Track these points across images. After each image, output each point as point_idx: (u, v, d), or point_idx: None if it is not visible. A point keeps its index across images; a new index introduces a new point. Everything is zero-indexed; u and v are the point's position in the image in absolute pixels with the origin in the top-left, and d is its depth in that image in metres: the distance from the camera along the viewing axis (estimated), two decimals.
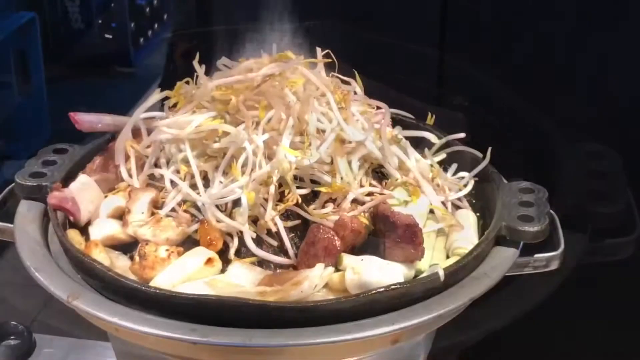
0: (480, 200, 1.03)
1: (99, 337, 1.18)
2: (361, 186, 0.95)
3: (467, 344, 0.98)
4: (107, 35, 4.31)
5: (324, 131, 0.95)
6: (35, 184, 1.00)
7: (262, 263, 0.90)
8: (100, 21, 4.27)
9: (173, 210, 0.94)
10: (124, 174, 0.99)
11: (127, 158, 0.99)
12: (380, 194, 0.95)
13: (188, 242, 0.92)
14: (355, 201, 0.93)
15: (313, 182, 0.94)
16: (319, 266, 0.86)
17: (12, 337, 1.23)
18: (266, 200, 0.91)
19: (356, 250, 0.90)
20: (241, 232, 0.90)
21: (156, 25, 4.58)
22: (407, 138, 1.04)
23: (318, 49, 1.03)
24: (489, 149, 1.01)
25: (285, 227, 0.91)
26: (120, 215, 0.95)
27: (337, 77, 1.04)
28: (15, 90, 3.40)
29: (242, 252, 0.90)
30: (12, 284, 2.72)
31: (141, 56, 4.40)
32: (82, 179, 0.98)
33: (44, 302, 2.62)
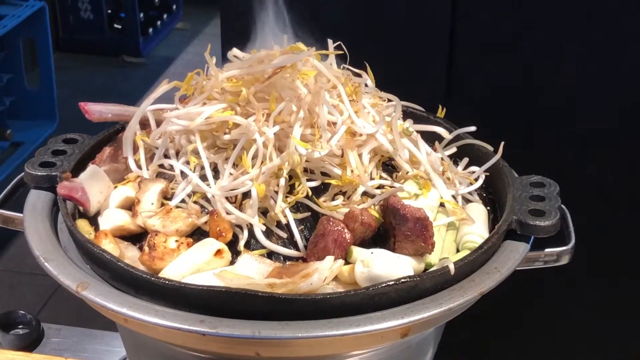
0: (491, 194, 1.03)
1: (107, 327, 1.18)
2: (372, 179, 0.95)
3: None
4: (116, 25, 4.33)
5: (334, 123, 0.95)
6: (45, 173, 1.00)
7: (271, 255, 0.89)
8: (109, 11, 4.29)
9: (183, 201, 0.94)
10: (132, 165, 0.98)
11: (136, 149, 0.99)
12: (391, 186, 0.94)
13: (197, 234, 0.92)
14: (365, 194, 0.93)
15: (323, 174, 0.94)
16: (329, 259, 0.85)
17: (20, 326, 1.23)
18: (276, 192, 0.91)
19: (366, 243, 0.90)
20: (251, 224, 0.90)
21: (165, 16, 4.60)
22: (417, 131, 1.04)
23: (329, 41, 1.03)
24: (502, 143, 1.01)
25: (295, 220, 0.90)
26: (130, 206, 0.95)
27: (349, 69, 1.03)
28: (24, 79, 3.41)
29: (252, 244, 0.90)
30: (21, 273, 2.74)
31: (150, 46, 4.42)
32: (91, 169, 0.98)
33: (53, 292, 2.64)
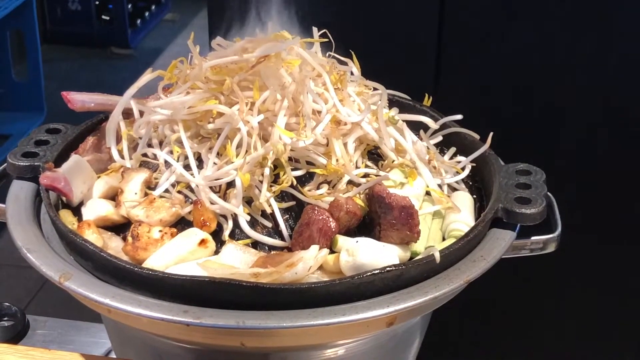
0: (477, 182, 1.02)
1: (92, 318, 1.17)
2: (357, 168, 0.94)
3: None
4: (104, 17, 4.31)
5: (319, 112, 0.94)
6: (27, 163, 0.99)
7: (256, 244, 0.89)
8: (97, 2, 4.27)
9: (167, 191, 0.93)
10: (115, 155, 0.98)
11: (119, 139, 0.98)
12: (376, 175, 0.94)
13: (182, 224, 0.91)
14: (350, 183, 0.92)
15: (308, 163, 0.93)
16: (314, 248, 0.85)
17: (5, 319, 1.23)
18: (261, 181, 0.90)
19: (351, 232, 0.89)
20: (235, 214, 0.89)
21: (153, 7, 4.58)
22: (404, 120, 1.03)
23: (314, 29, 1.02)
24: (490, 134, 1.00)
25: (280, 209, 0.90)
26: (113, 196, 0.95)
27: (334, 57, 1.03)
28: (12, 71, 3.40)
29: (237, 233, 0.89)
30: (8, 266, 2.73)
31: (139, 38, 4.40)
32: (74, 159, 0.97)
33: (41, 285, 2.63)
